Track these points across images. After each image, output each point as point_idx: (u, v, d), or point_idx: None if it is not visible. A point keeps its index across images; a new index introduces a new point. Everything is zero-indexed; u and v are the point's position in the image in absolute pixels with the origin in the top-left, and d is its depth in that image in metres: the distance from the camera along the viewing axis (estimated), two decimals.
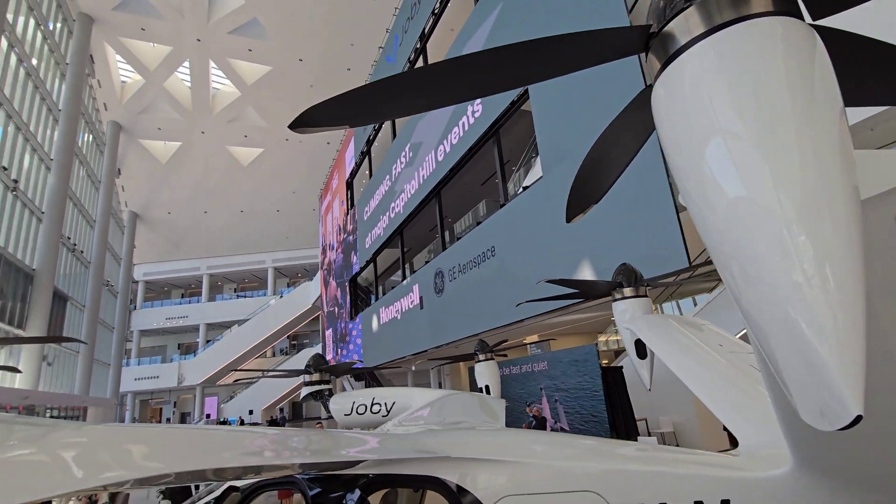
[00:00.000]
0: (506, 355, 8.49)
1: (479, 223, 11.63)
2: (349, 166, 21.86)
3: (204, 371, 33.53)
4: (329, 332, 25.94)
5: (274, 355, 38.14)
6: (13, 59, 17.08)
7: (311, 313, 33.60)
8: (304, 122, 1.18)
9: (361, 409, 4.12)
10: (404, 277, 15.73)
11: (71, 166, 20.83)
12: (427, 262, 14.31)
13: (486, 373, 5.94)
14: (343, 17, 21.68)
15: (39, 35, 19.18)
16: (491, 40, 10.33)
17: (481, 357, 6.04)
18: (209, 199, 33.60)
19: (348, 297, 21.42)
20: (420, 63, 14.14)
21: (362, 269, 19.66)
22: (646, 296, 3.32)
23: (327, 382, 4.80)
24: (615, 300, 3.39)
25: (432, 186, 12.82)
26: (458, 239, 12.49)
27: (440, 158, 12.30)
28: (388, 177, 16.51)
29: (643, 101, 1.13)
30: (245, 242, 36.99)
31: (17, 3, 17.00)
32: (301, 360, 33.23)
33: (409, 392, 4.28)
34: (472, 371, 12.30)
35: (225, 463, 1.47)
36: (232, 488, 2.20)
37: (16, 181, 17.59)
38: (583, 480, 1.88)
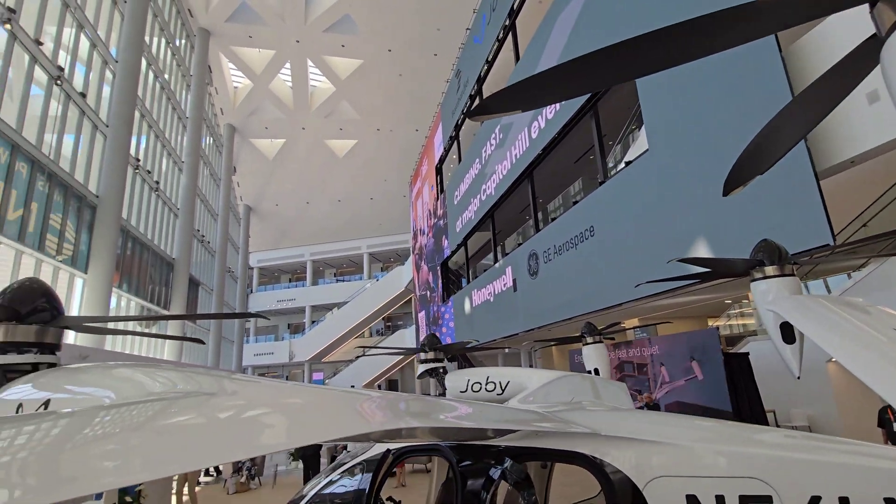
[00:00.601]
0: (613, 338, 8.20)
1: (575, 202, 11.27)
2: (438, 152, 22.22)
3: (311, 349, 36.60)
4: (422, 315, 26.89)
5: (371, 335, 40.47)
6: (150, 75, 19.60)
7: (404, 296, 35.08)
8: (482, 111, 1.25)
9: (476, 387, 4.25)
10: (496, 260, 15.76)
11: (198, 167, 23.58)
12: (520, 245, 14.20)
13: (594, 356, 5.79)
14: (429, 3, 21.87)
15: (169, 52, 21.77)
16: (585, 11, 9.81)
17: (589, 339, 5.90)
18: (310, 191, 36.22)
19: (440, 281, 21.98)
20: (510, 41, 13.86)
21: (453, 252, 20.02)
22: (793, 274, 3.01)
23: (441, 360, 5.04)
24: (754, 280, 3.12)
25: (524, 167, 12.61)
26: (553, 220, 12.21)
27: (534, 136, 12.04)
28: (477, 160, 16.53)
29: (864, 53, 1.02)
30: (342, 230, 39.43)
31: (151, 25, 19.40)
32: (395, 340, 34.96)
33: (524, 372, 4.32)
34: (572, 354, 12.08)
35: (388, 426, 1.51)
36: (388, 451, 2.41)
37: (157, 182, 20.31)
38: (744, 466, 1.79)
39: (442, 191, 21.84)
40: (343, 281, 42.57)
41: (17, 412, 1.51)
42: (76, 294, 14.98)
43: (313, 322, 39.51)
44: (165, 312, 20.88)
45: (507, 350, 20.54)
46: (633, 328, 12.88)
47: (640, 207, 8.14)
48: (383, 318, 39.90)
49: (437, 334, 22.19)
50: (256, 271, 42.63)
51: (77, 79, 14.72)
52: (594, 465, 1.90)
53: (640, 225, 8.10)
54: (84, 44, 15.09)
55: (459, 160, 19.26)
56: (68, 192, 14.24)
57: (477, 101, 16.87)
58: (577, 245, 10.18)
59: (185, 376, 1.27)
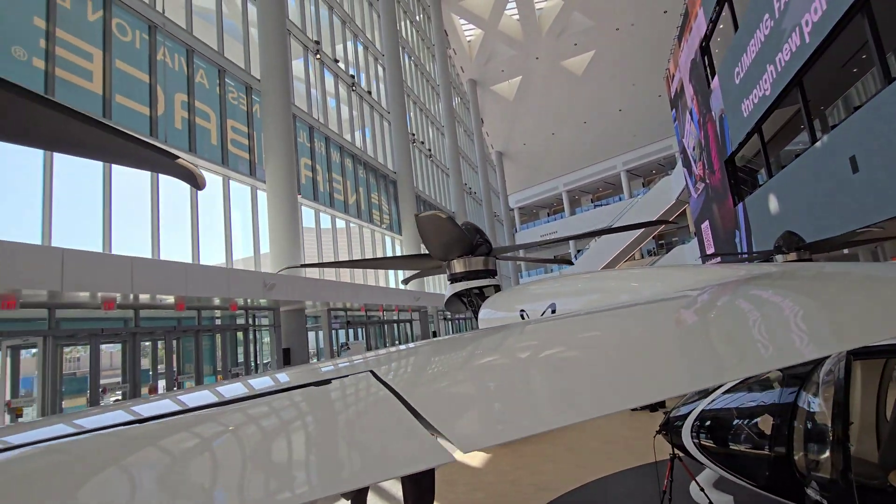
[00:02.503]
0: None
1: None
2: (701, 29, 18.33)
3: None
4: (705, 225, 23.63)
5: (643, 257, 38.28)
6: (406, 57, 22.36)
7: (676, 209, 31.45)
8: None
9: None
10: (813, 139, 12.19)
11: (454, 128, 26.14)
12: (856, 108, 10.52)
13: None
14: None
15: (413, 30, 24.31)
16: None
17: None
18: (554, 121, 35.74)
19: (727, 182, 18.64)
20: None
21: (741, 144, 16.53)
22: None
23: (809, 260, 4.10)
24: None
25: None
26: None
27: None
28: (766, 16, 12.85)
29: None
30: (593, 152, 37.76)
31: (397, 10, 21.91)
32: (673, 258, 32.00)
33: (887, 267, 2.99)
34: None
35: None
36: (849, 355, 2.02)
37: (430, 150, 23.48)
38: None
39: (714, 74, 18.09)
40: (601, 206, 41.14)
41: (521, 317, 1.83)
42: (397, 252, 18.87)
43: (579, 251, 39.81)
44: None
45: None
46: None
47: None
48: (653, 238, 36.96)
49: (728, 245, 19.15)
50: (517, 211, 45.39)
51: (362, 80, 18.00)
52: None
53: None
54: (360, 49, 18.22)
55: (735, 28, 15.40)
56: (377, 174, 17.88)
57: None
58: None
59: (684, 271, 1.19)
